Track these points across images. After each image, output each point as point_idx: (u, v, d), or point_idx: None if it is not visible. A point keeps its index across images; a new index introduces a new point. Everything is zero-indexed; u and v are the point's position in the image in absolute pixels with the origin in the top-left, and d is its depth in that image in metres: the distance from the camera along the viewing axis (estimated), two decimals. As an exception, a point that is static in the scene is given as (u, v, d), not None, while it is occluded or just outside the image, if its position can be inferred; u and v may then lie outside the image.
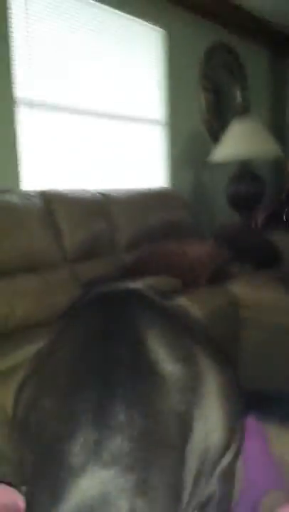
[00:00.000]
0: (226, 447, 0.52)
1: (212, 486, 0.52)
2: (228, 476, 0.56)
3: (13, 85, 2.25)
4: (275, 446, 0.99)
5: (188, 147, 3.46)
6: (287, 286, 2.20)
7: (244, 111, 4.02)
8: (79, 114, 2.63)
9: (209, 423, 0.50)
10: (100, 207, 2.42)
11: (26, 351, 1.33)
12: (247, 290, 2.26)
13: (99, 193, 2.50)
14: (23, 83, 2.31)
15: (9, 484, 0.67)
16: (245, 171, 3.32)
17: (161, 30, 3.14)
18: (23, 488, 0.46)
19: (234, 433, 0.55)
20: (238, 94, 3.98)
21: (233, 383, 0.57)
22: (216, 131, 3.66)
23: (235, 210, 3.39)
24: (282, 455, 0.99)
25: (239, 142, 3.13)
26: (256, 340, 2.23)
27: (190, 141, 3.47)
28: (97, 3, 2.67)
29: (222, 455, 0.52)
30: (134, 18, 2.92)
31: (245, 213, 3.37)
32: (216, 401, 0.53)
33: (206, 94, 3.57)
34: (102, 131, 2.78)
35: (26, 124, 2.34)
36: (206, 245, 2.53)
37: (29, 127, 2.36)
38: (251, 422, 0.96)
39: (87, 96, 2.67)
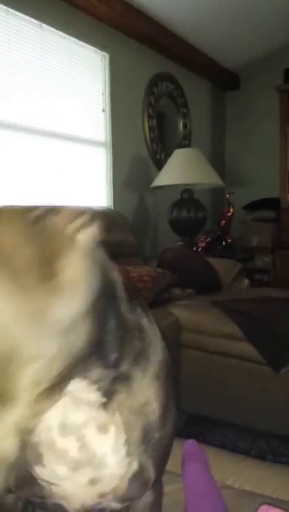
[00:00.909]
0: (162, 424, 0.67)
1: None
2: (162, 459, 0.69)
3: None
4: (215, 470, 1.01)
5: (132, 171, 3.52)
6: (226, 310, 2.25)
7: (186, 139, 4.16)
8: (23, 133, 2.61)
9: (146, 385, 0.66)
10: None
11: None
12: (188, 313, 2.30)
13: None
14: None
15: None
16: (187, 197, 3.41)
17: (106, 54, 3.20)
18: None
19: (168, 412, 0.69)
20: (181, 123, 4.11)
21: (169, 368, 0.73)
22: (159, 157, 3.75)
23: (178, 235, 3.46)
24: (223, 479, 1.00)
25: (181, 169, 3.23)
26: (196, 363, 2.26)
27: (133, 164, 3.53)
28: (43, 25, 2.69)
29: (159, 427, 0.66)
30: (79, 42, 2.96)
31: (187, 238, 3.45)
32: (155, 369, 0.68)
33: (149, 121, 3.66)
34: (46, 151, 2.77)
35: None
36: (149, 268, 2.56)
37: None
38: (191, 446, 0.97)
39: (32, 115, 2.66)
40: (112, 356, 0.61)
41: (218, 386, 2.20)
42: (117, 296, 0.59)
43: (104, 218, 3.13)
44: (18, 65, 2.56)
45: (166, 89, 3.86)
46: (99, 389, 0.60)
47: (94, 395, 0.60)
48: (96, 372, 0.59)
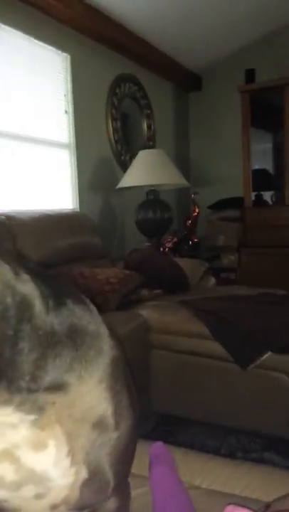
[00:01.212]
0: (114, 426, 0.65)
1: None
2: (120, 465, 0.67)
3: None
4: (183, 471, 1.00)
5: (97, 172, 3.50)
6: (194, 310, 2.27)
7: (150, 141, 4.17)
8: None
9: (87, 391, 0.62)
10: (3, 229, 2.33)
11: None
12: (156, 314, 2.30)
13: (2, 215, 2.41)
14: None
15: None
16: (152, 198, 3.42)
17: (67, 55, 3.17)
18: None
19: (120, 414, 0.66)
20: (144, 124, 4.12)
21: (120, 368, 0.69)
22: (123, 158, 3.74)
23: (144, 235, 3.46)
24: (191, 480, 1.00)
25: (146, 170, 3.23)
26: (166, 363, 2.26)
27: (98, 166, 3.51)
28: (1, 25, 2.64)
29: (110, 430, 0.64)
30: (39, 43, 2.93)
31: (154, 238, 3.46)
32: (98, 372, 0.64)
33: (113, 123, 3.64)
34: (9, 153, 2.72)
35: None
36: (116, 269, 2.55)
37: None
38: (158, 449, 0.96)
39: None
40: (27, 376, 0.55)
41: (189, 385, 2.21)
42: (30, 306, 0.53)
43: (70, 220, 3.10)
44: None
45: (129, 90, 3.86)
46: (23, 410, 0.56)
47: (17, 417, 0.56)
48: (11, 397, 0.54)
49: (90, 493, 0.65)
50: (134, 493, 0.81)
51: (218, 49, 4.40)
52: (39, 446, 0.60)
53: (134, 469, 0.86)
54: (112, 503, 0.70)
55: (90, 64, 3.39)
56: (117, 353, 0.69)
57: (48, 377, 0.58)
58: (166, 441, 1.05)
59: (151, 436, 1.84)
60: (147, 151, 3.45)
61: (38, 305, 0.55)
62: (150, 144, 4.14)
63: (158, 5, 3.37)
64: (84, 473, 0.64)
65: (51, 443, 0.60)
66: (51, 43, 3.02)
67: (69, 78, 3.21)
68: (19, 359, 0.52)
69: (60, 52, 3.12)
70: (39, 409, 0.58)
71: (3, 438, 0.58)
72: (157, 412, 2.24)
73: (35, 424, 0.58)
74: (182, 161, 4.64)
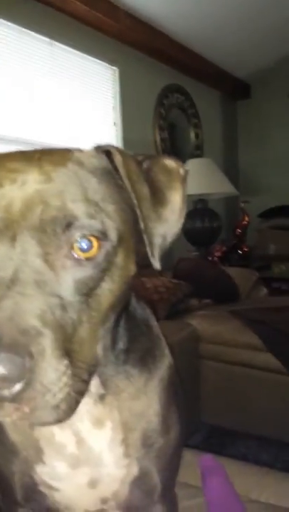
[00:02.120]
0: (164, 430, 0.66)
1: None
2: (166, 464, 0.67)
3: None
4: (238, 484, 0.97)
5: (145, 184, 3.51)
6: (245, 320, 2.21)
7: (198, 150, 4.15)
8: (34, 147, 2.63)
9: (150, 388, 0.65)
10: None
11: None
12: (206, 324, 2.26)
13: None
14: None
15: None
16: (201, 206, 3.39)
17: (115, 68, 3.22)
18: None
19: (171, 419, 0.68)
20: (192, 133, 4.11)
21: (175, 376, 0.71)
22: (171, 168, 3.74)
23: (192, 245, 3.43)
24: (247, 493, 0.96)
25: (194, 180, 3.21)
26: (216, 374, 2.21)
27: (147, 177, 3.53)
28: (54, 42, 2.72)
29: (161, 434, 0.66)
30: (89, 57, 2.99)
31: (202, 248, 3.42)
32: (161, 373, 0.67)
33: (160, 133, 3.66)
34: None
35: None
36: (164, 279, 2.53)
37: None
38: (209, 461, 0.93)
39: (44, 131, 2.68)
40: (119, 347, 0.61)
41: (240, 397, 2.15)
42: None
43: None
44: (31, 83, 2.60)
45: (176, 100, 3.87)
46: (100, 377, 0.60)
47: (93, 383, 0.58)
48: (105, 355, 0.59)
49: (138, 493, 0.66)
50: (187, 503, 0.79)
51: (268, 56, 4.33)
52: (98, 423, 0.62)
53: (186, 479, 0.84)
54: (158, 510, 0.69)
55: (137, 76, 3.43)
56: (172, 361, 0.71)
57: (129, 361, 0.62)
58: (218, 453, 1.02)
59: (201, 447, 1.80)
60: (195, 160, 3.44)
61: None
62: (198, 153, 4.12)
63: (204, 14, 3.37)
64: (135, 470, 0.65)
65: (108, 425, 0.62)
66: (100, 57, 3.08)
67: (117, 91, 3.26)
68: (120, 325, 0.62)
69: (108, 65, 3.17)
70: (109, 388, 0.61)
71: None
72: (207, 423, 2.20)
73: (100, 399, 0.61)
74: (231, 170, 4.58)
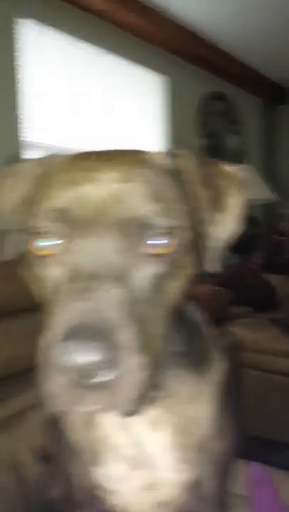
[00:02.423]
0: (219, 436, 0.65)
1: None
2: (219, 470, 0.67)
3: (21, 129, 2.33)
4: (284, 493, 0.98)
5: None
6: (283, 328, 2.20)
7: (239, 156, 4.14)
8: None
9: (205, 393, 0.65)
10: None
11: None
12: (247, 332, 2.27)
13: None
14: (31, 128, 2.39)
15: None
16: (241, 213, 3.38)
17: (164, 76, 3.27)
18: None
19: (225, 426, 0.67)
20: (233, 140, 4.10)
21: (227, 381, 0.71)
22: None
23: (233, 251, 3.43)
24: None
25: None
26: (257, 383, 2.21)
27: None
28: (104, 51, 2.80)
29: (215, 440, 0.65)
30: (140, 67, 3.06)
31: (242, 254, 3.41)
32: (214, 377, 0.67)
33: (201, 140, 3.68)
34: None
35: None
36: (205, 286, 2.55)
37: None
38: (258, 471, 0.95)
39: (94, 140, 2.75)
40: (172, 350, 0.60)
41: (281, 407, 2.14)
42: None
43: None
44: (83, 92, 2.68)
45: (217, 107, 3.88)
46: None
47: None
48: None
49: (194, 499, 0.66)
50: (236, 512, 0.81)
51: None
52: (154, 425, 0.62)
53: (234, 488, 0.85)
54: None
55: (182, 84, 3.47)
56: (225, 366, 0.70)
57: (183, 363, 0.62)
58: (258, 462, 1.03)
59: (243, 456, 1.80)
60: (236, 167, 3.43)
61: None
62: (238, 159, 4.12)
63: (244, 19, 3.36)
64: (191, 475, 0.64)
65: (164, 427, 0.62)
66: (146, 66, 3.13)
67: (165, 100, 3.30)
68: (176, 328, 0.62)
69: (153, 73, 3.22)
70: (165, 390, 0.61)
71: None
72: (247, 433, 2.19)
73: (156, 401, 0.61)
74: (271, 176, 4.54)
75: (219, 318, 2.38)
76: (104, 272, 0.47)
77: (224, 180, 0.61)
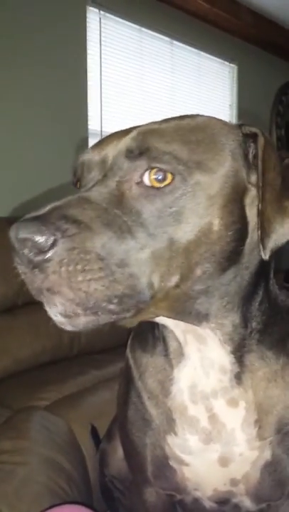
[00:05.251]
0: None
1: None
2: None
3: (88, 119, 2.34)
4: None
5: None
6: None
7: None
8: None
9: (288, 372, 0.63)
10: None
11: (92, 376, 1.31)
12: None
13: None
14: (96, 117, 2.40)
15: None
16: None
17: (234, 65, 3.18)
18: None
19: None
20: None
21: None
22: (287, 168, 3.60)
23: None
24: None
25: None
26: None
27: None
28: (174, 42, 2.75)
29: None
30: (208, 55, 2.98)
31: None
32: None
33: (277, 131, 3.54)
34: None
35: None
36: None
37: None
38: None
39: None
40: (253, 326, 0.60)
41: None
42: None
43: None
44: (150, 81, 2.66)
45: (294, 97, 3.71)
46: (234, 354, 0.59)
47: (228, 359, 0.59)
48: (237, 332, 0.59)
49: (269, 481, 0.63)
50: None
51: None
52: (232, 400, 0.61)
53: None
54: (287, 507, 0.66)
55: (256, 73, 3.35)
56: None
57: (265, 341, 0.62)
58: None
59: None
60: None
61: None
62: (316, 152, 3.92)
63: None
64: (267, 454, 0.62)
65: (242, 403, 0.61)
66: (218, 55, 3.05)
67: (235, 88, 3.21)
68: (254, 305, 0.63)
69: (226, 62, 3.14)
70: (245, 366, 0.61)
71: (207, 380, 0.61)
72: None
73: (237, 377, 0.61)
74: None
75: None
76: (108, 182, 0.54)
77: None
